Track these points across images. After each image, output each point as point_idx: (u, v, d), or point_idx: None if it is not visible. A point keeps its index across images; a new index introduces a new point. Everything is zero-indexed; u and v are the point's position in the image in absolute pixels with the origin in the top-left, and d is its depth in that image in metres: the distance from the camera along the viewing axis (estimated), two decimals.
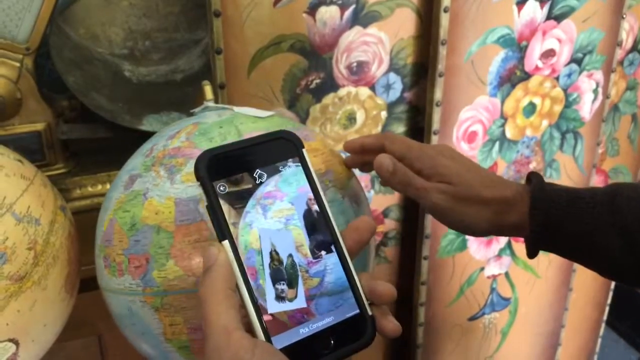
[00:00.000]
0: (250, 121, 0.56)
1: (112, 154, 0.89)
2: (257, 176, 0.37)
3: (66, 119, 0.88)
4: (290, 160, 0.38)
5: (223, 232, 0.35)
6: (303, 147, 0.38)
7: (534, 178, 0.53)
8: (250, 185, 0.36)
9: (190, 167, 0.52)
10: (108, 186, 0.87)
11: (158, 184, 0.53)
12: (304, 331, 0.35)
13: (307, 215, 0.37)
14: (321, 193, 0.38)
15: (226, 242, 0.35)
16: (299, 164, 0.38)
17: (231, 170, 0.36)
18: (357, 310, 0.37)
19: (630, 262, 0.48)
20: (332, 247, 0.37)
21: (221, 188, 0.35)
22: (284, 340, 0.35)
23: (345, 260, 0.38)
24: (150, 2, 0.95)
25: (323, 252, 0.37)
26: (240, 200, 0.36)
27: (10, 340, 0.53)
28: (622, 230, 0.47)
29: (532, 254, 0.52)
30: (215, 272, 0.35)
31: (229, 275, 0.35)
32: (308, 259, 0.37)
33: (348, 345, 0.36)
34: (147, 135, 0.64)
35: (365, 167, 0.57)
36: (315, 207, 0.38)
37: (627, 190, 0.49)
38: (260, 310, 0.35)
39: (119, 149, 0.74)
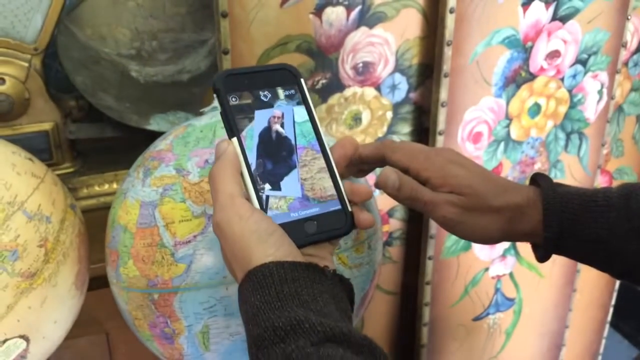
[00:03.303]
0: None
1: (119, 154, 0.90)
2: (262, 95, 0.45)
3: (74, 119, 0.88)
4: (289, 86, 0.46)
5: (232, 130, 0.43)
6: (301, 77, 0.47)
7: (542, 181, 0.51)
8: (255, 102, 0.45)
9: (159, 172, 0.54)
10: (115, 185, 0.87)
11: (134, 185, 0.55)
12: (294, 215, 0.43)
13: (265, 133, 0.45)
14: (314, 112, 0.47)
15: (234, 139, 0.43)
16: (297, 90, 0.47)
17: (242, 87, 0.45)
18: (339, 207, 0.45)
19: None
20: (322, 158, 0.46)
21: (233, 99, 0.44)
22: (277, 219, 0.42)
23: (332, 168, 0.46)
24: (157, 2, 0.96)
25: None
26: (247, 112, 0.44)
27: (21, 336, 0.53)
28: (638, 233, 0.46)
29: (543, 259, 0.51)
30: (224, 157, 0.42)
31: (236, 162, 0.42)
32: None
33: (330, 231, 0.44)
34: (154, 135, 0.64)
35: (360, 174, 0.54)
36: (278, 127, 0.45)
37: None
38: (259, 193, 0.43)
39: (126, 148, 0.75)
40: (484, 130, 0.88)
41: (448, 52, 0.79)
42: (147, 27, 0.97)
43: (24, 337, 0.53)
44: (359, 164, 0.51)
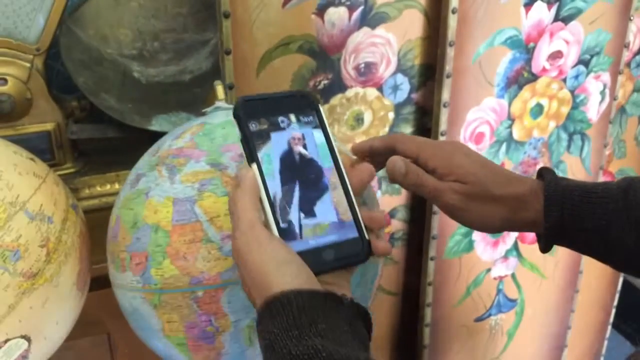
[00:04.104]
0: None
1: (121, 154, 0.90)
2: (279, 121, 0.45)
3: (76, 119, 0.88)
4: (307, 112, 0.46)
5: (253, 157, 0.43)
6: (319, 103, 0.47)
7: (546, 174, 0.53)
8: (272, 127, 0.45)
9: (189, 168, 0.53)
10: (117, 186, 0.87)
11: (159, 183, 0.54)
12: (312, 243, 0.43)
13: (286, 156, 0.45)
14: (332, 138, 0.46)
15: (254, 165, 0.43)
16: (315, 116, 0.46)
17: (260, 114, 0.45)
18: (357, 234, 0.45)
19: None
20: (340, 185, 0.45)
21: (252, 125, 0.44)
22: (295, 247, 0.42)
23: (349, 196, 0.45)
24: (159, 3, 0.96)
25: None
26: (265, 138, 0.44)
27: (23, 337, 0.53)
28: (637, 225, 0.48)
29: (545, 249, 0.52)
30: (245, 184, 0.43)
31: (256, 188, 0.43)
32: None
33: (347, 259, 0.44)
34: (156, 136, 0.65)
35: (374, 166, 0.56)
36: (301, 149, 0.45)
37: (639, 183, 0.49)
38: (278, 220, 0.43)
39: (128, 148, 0.75)
40: (486, 130, 0.88)
41: (450, 52, 0.79)
42: (149, 28, 0.97)
43: (26, 338, 0.53)
44: (371, 156, 0.54)
